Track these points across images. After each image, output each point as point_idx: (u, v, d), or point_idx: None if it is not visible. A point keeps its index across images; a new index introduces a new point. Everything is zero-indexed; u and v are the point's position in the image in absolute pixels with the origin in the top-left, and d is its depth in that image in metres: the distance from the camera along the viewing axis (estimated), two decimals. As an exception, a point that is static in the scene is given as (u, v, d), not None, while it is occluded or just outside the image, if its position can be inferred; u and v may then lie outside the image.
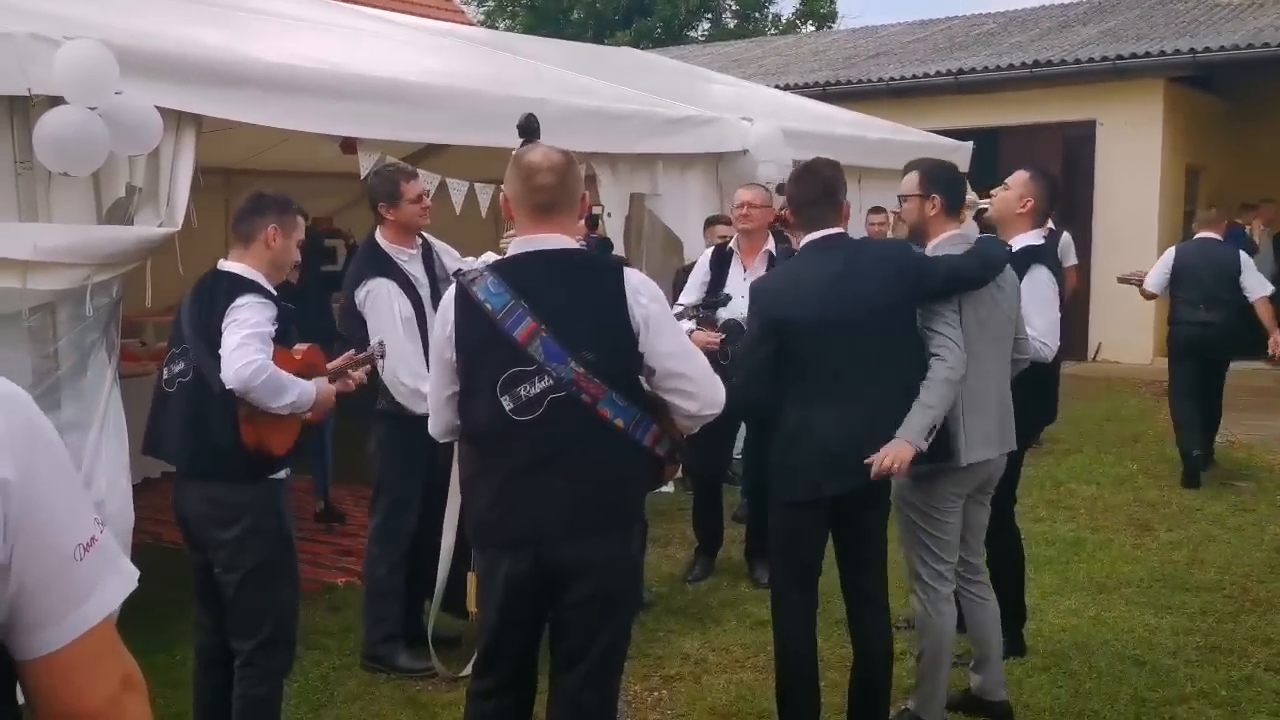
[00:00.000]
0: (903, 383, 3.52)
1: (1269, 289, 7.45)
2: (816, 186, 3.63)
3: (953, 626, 3.80)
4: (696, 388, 2.89)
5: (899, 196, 3.98)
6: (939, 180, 3.85)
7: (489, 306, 2.80)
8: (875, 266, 3.56)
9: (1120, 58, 12.99)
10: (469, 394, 2.87)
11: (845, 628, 3.85)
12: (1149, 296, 7.83)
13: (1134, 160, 12.93)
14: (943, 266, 3.62)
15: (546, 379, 2.75)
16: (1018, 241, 4.24)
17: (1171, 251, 7.69)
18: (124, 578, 1.24)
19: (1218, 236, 7.71)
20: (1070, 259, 9.46)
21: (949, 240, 3.78)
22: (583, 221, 5.30)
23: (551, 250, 2.87)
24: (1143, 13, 15.51)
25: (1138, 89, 13.06)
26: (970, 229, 4.80)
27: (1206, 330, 7.36)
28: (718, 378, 2.99)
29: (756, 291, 3.71)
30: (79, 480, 1.23)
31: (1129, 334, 12.62)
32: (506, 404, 2.77)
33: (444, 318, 2.92)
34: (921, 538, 3.73)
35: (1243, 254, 7.54)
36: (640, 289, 2.85)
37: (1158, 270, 7.62)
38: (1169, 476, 7.61)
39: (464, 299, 2.86)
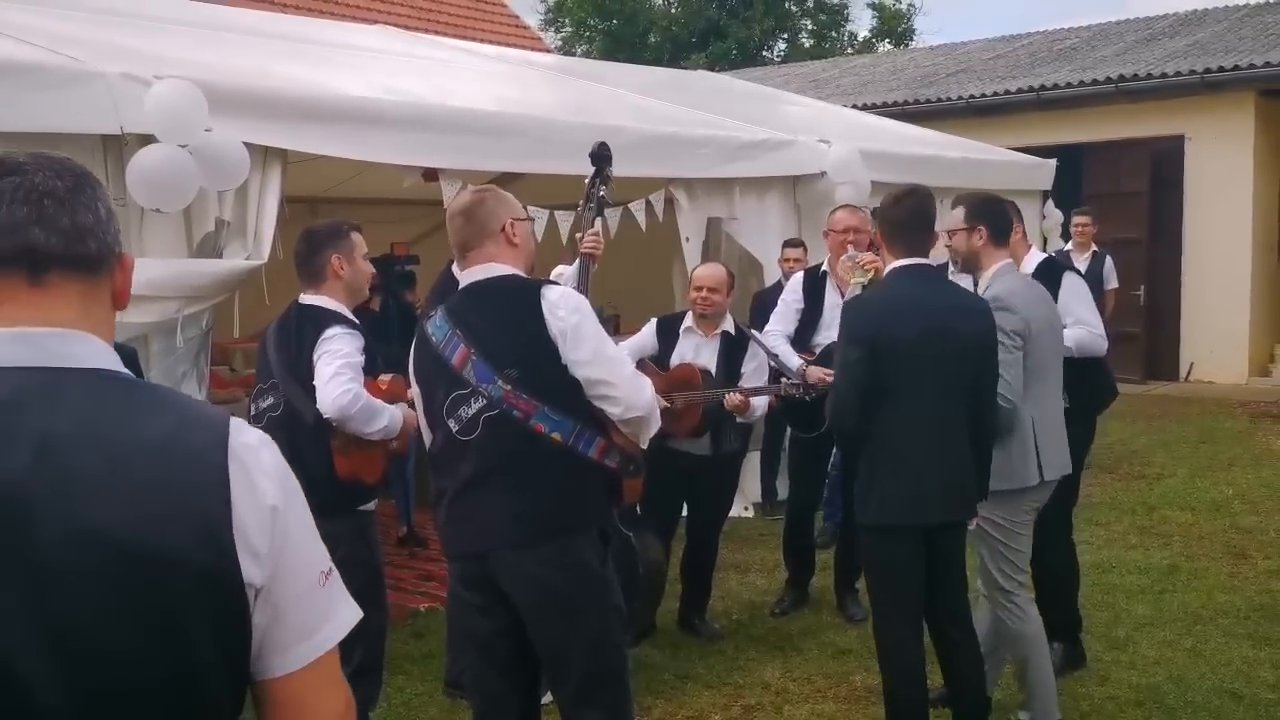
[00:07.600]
0: (966, 426, 3.58)
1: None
2: (921, 212, 3.66)
3: (1040, 628, 3.91)
4: (617, 392, 2.94)
5: (945, 231, 4.01)
6: (983, 211, 3.95)
7: (434, 339, 3.01)
8: (972, 313, 3.61)
9: (1209, 71, 12.67)
10: (429, 421, 3.08)
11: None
12: None
13: (1225, 176, 12.59)
14: (995, 371, 3.64)
15: (480, 399, 2.92)
16: (1028, 264, 4.49)
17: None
18: (352, 607, 1.34)
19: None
20: (1112, 282, 9.28)
21: (1002, 271, 3.88)
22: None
23: (479, 280, 3.04)
24: (1231, 25, 15.10)
25: (1228, 103, 12.73)
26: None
27: None
28: (644, 381, 3.04)
29: (850, 310, 3.73)
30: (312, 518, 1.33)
31: (1222, 353, 12.26)
32: (453, 426, 2.96)
33: (411, 355, 3.15)
34: (1003, 551, 3.85)
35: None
36: (559, 304, 2.94)
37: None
38: (1266, 502, 7.36)
39: (420, 334, 3.09)
